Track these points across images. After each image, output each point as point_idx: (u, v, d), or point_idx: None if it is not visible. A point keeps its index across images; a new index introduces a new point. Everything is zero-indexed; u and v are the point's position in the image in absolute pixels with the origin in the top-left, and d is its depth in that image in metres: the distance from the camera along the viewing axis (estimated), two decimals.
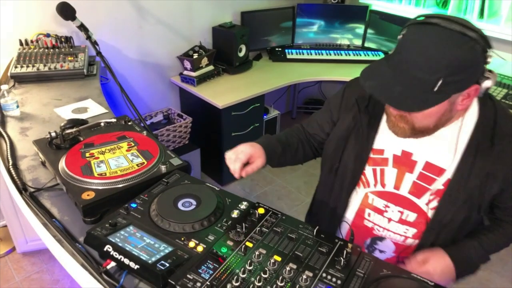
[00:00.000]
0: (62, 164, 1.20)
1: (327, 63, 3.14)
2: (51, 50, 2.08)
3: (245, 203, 1.09)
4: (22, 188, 1.21)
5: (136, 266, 0.87)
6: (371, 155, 1.13)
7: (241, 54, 2.94)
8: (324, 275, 0.88)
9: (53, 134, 1.30)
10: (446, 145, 1.03)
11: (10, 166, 1.29)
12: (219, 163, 2.85)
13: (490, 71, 0.91)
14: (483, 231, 1.12)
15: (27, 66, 1.94)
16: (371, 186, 1.15)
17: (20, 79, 1.90)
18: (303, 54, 3.22)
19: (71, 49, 2.13)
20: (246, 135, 2.84)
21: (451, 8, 2.62)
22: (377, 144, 1.12)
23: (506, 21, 2.42)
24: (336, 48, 3.30)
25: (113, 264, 0.92)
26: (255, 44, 3.14)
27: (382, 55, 2.98)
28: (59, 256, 0.98)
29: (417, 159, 1.07)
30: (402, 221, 1.14)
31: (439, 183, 1.05)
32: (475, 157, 1.00)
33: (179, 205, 1.06)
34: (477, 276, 1.29)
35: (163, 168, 1.20)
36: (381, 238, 1.20)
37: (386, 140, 1.11)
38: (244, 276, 0.86)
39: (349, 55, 3.17)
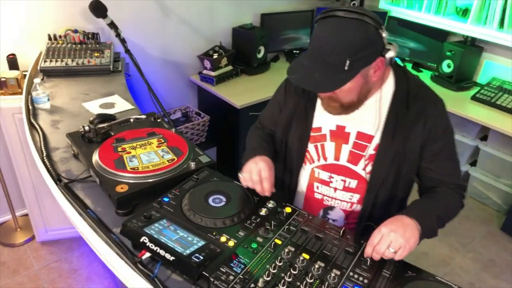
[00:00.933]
0: (95, 157, 1.25)
1: None
2: (79, 45, 2.14)
3: (272, 202, 1.13)
4: (57, 178, 1.25)
5: (172, 258, 0.91)
6: (311, 134, 1.27)
7: (260, 55, 2.98)
8: (351, 274, 0.91)
9: (87, 128, 1.35)
10: (371, 115, 1.18)
11: (45, 157, 1.34)
12: (234, 161, 2.88)
13: (390, 43, 1.07)
14: (429, 197, 1.18)
15: (56, 61, 1.99)
16: (315, 161, 1.29)
17: (49, 73, 1.96)
18: None
19: (97, 45, 2.18)
20: None
21: (471, 18, 2.64)
22: (315, 123, 1.27)
23: None
24: None
25: (147, 254, 0.96)
26: (273, 45, 3.17)
27: (398, 61, 2.99)
28: (95, 245, 1.03)
29: (349, 131, 1.22)
30: (346, 189, 1.27)
31: (370, 149, 1.20)
32: (396, 121, 1.16)
33: (210, 201, 1.10)
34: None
35: (193, 165, 1.25)
36: (331, 208, 1.32)
37: (322, 118, 1.25)
38: (274, 271, 0.90)
39: None
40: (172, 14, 2.67)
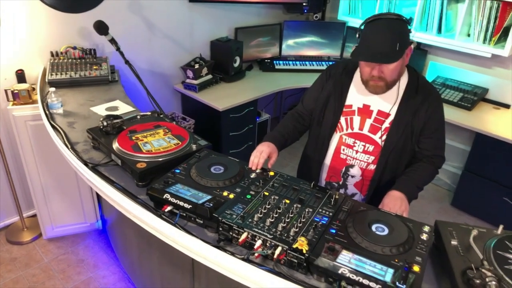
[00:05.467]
0: (116, 144, 1.56)
1: (310, 72, 3.57)
2: (78, 60, 2.44)
3: (258, 169, 1.48)
4: (84, 163, 1.55)
5: (189, 206, 1.24)
6: (344, 109, 1.68)
7: (236, 64, 3.34)
8: (320, 210, 1.27)
9: (105, 123, 1.66)
10: (390, 98, 1.60)
11: (71, 149, 1.64)
12: None
13: (411, 39, 1.52)
14: (413, 171, 1.63)
15: (61, 74, 2.28)
16: (344, 130, 1.70)
17: (56, 85, 2.24)
18: (289, 65, 3.65)
19: (95, 59, 2.49)
20: (241, 134, 3.23)
21: (414, 25, 3.10)
22: (348, 101, 1.67)
23: (459, 35, 2.90)
24: (318, 59, 3.75)
25: (169, 208, 1.28)
26: (248, 56, 3.55)
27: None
28: (127, 205, 1.34)
29: (373, 109, 1.64)
30: (365, 152, 1.68)
31: (386, 123, 1.62)
32: (407, 103, 1.58)
33: (212, 169, 1.43)
34: None
35: (194, 146, 1.58)
36: (352, 166, 1.73)
37: (353, 98, 1.67)
38: (265, 211, 1.24)
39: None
40: (156, 31, 3.00)
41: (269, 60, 3.69)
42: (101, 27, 2.06)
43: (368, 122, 1.64)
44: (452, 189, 3.26)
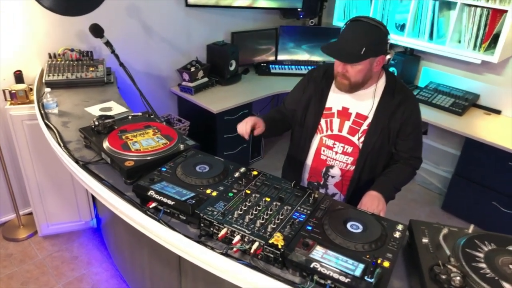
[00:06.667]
0: (106, 143, 1.62)
1: None
2: (75, 62, 2.50)
3: (244, 168, 1.53)
4: (76, 161, 1.60)
5: (172, 203, 1.29)
6: (324, 112, 1.73)
7: (232, 68, 3.40)
8: (299, 208, 1.31)
9: (96, 123, 1.71)
10: (367, 101, 1.65)
11: (63, 147, 1.69)
12: None
13: (390, 50, 1.56)
14: (390, 172, 1.69)
15: (58, 75, 2.35)
16: (324, 131, 1.75)
17: (52, 85, 2.30)
18: (285, 69, 3.71)
19: (91, 62, 2.55)
20: (236, 137, 3.25)
21: (406, 32, 3.15)
22: (328, 104, 1.73)
23: (450, 42, 2.95)
24: (313, 64, 3.80)
25: (153, 204, 1.34)
26: (244, 60, 3.61)
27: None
28: (114, 204, 1.39)
29: (351, 112, 1.69)
30: (344, 153, 1.73)
31: (364, 125, 1.67)
32: (384, 106, 1.64)
33: (197, 168, 1.49)
34: None
35: (182, 146, 1.63)
36: (332, 167, 1.78)
37: (333, 101, 1.73)
38: (245, 208, 1.29)
39: None
40: (154, 33, 3.07)
41: (265, 64, 3.75)
42: (96, 30, 2.12)
43: (347, 124, 1.70)
44: (442, 193, 3.30)
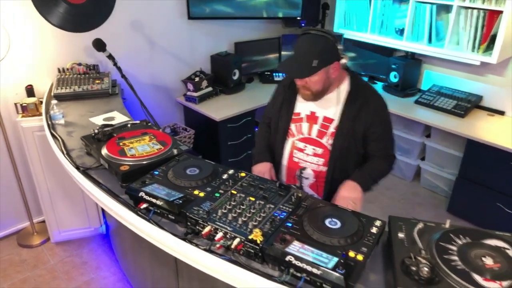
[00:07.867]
0: (104, 150, 1.72)
1: None
2: (82, 75, 2.64)
3: (232, 170, 1.59)
4: (76, 167, 1.71)
5: (161, 203, 1.37)
6: (293, 117, 1.82)
7: (235, 77, 3.49)
8: (281, 206, 1.37)
9: (96, 131, 1.82)
10: (333, 105, 1.72)
11: (65, 155, 1.80)
12: None
13: (344, 55, 1.62)
14: (366, 164, 1.76)
15: (66, 88, 2.48)
16: (295, 135, 1.83)
17: (61, 98, 2.43)
18: None
19: (98, 74, 2.68)
20: (240, 144, 3.36)
21: (405, 36, 3.18)
22: (296, 109, 1.82)
23: (448, 44, 2.97)
24: None
25: (144, 205, 1.42)
26: (248, 69, 3.70)
27: (360, 72, 3.47)
28: (109, 203, 1.48)
29: (318, 115, 1.76)
30: (315, 155, 1.80)
31: (332, 128, 1.74)
32: (348, 109, 1.69)
33: (187, 171, 1.56)
34: None
35: (175, 151, 1.71)
36: (305, 168, 1.84)
37: (301, 106, 1.80)
38: (229, 207, 1.35)
39: None
40: (158, 47, 3.19)
41: (269, 73, 3.82)
42: (98, 44, 2.24)
43: (315, 127, 1.77)
44: (448, 195, 3.28)
